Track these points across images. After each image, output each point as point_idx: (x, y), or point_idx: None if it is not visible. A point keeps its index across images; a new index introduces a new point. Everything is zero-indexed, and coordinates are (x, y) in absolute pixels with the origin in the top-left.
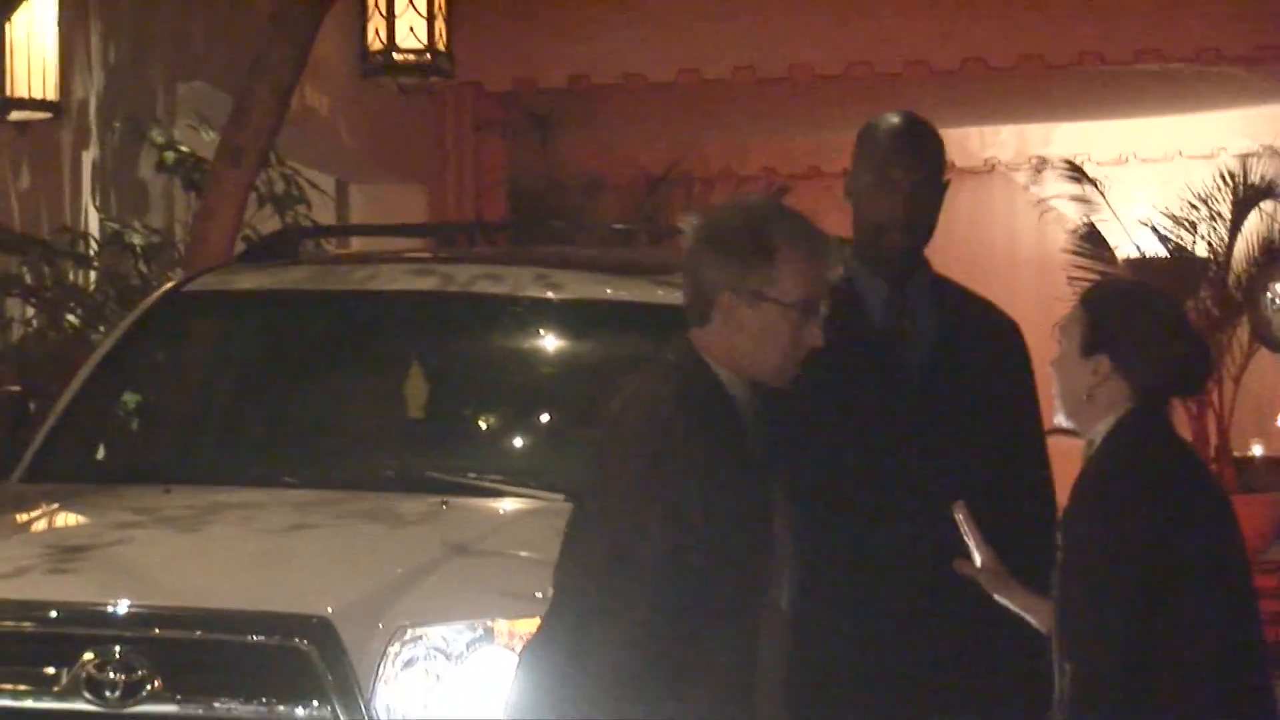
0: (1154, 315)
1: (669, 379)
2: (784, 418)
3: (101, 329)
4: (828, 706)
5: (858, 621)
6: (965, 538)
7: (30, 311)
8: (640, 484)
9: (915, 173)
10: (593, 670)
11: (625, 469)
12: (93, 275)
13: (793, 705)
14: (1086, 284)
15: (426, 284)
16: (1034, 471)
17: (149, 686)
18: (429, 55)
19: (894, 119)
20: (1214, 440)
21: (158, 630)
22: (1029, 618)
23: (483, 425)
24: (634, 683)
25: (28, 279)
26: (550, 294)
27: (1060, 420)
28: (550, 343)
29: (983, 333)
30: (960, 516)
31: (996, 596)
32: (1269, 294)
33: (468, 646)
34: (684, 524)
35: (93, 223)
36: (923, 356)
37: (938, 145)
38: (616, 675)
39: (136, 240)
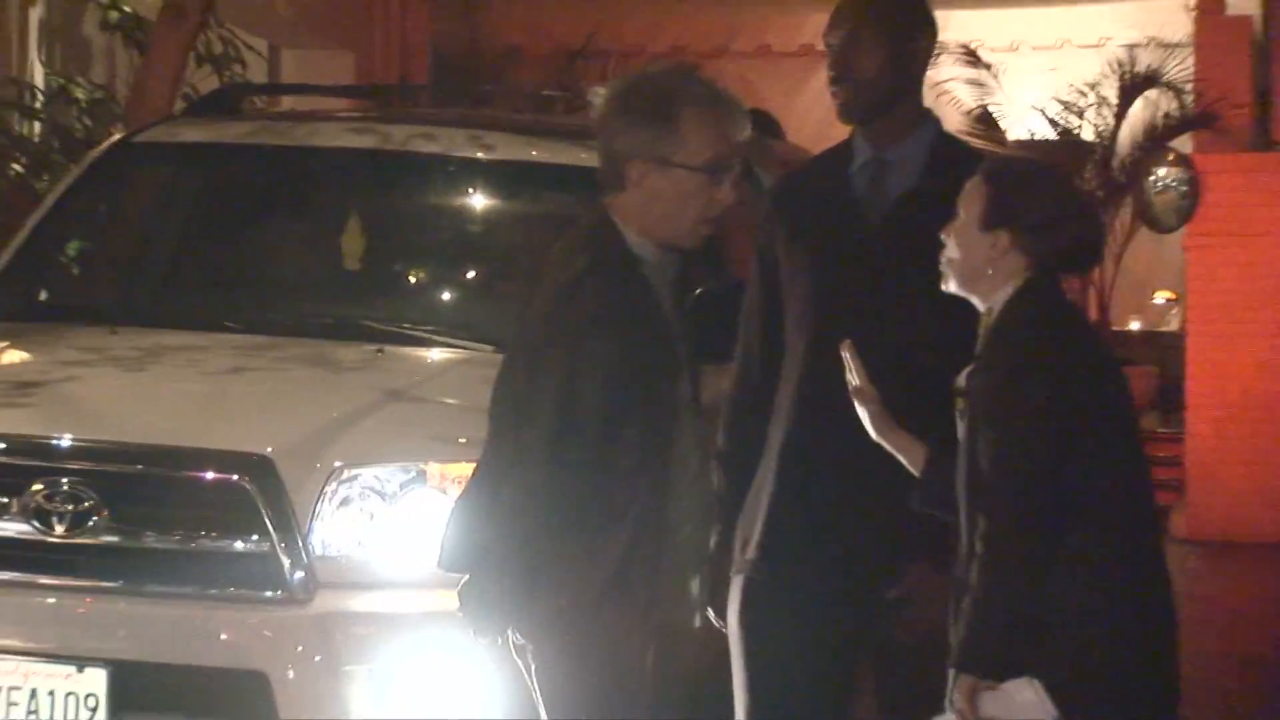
0: (1054, 195)
1: (580, 244)
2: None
3: (46, 178)
4: (801, 541)
5: (830, 457)
6: (850, 375)
7: None
8: (543, 341)
9: (833, 36)
10: (504, 519)
11: (532, 327)
12: (38, 127)
13: (769, 543)
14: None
15: (365, 141)
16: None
17: (96, 518)
18: None
19: None
20: (1095, 315)
21: (104, 464)
22: (902, 459)
23: (416, 278)
24: (543, 533)
25: None
26: (481, 154)
27: (952, 287)
28: (481, 200)
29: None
30: (846, 355)
31: (875, 435)
32: (1151, 177)
33: (401, 487)
34: (578, 380)
35: (38, 77)
36: (889, 212)
37: (869, 11)
38: (526, 525)
39: (80, 94)
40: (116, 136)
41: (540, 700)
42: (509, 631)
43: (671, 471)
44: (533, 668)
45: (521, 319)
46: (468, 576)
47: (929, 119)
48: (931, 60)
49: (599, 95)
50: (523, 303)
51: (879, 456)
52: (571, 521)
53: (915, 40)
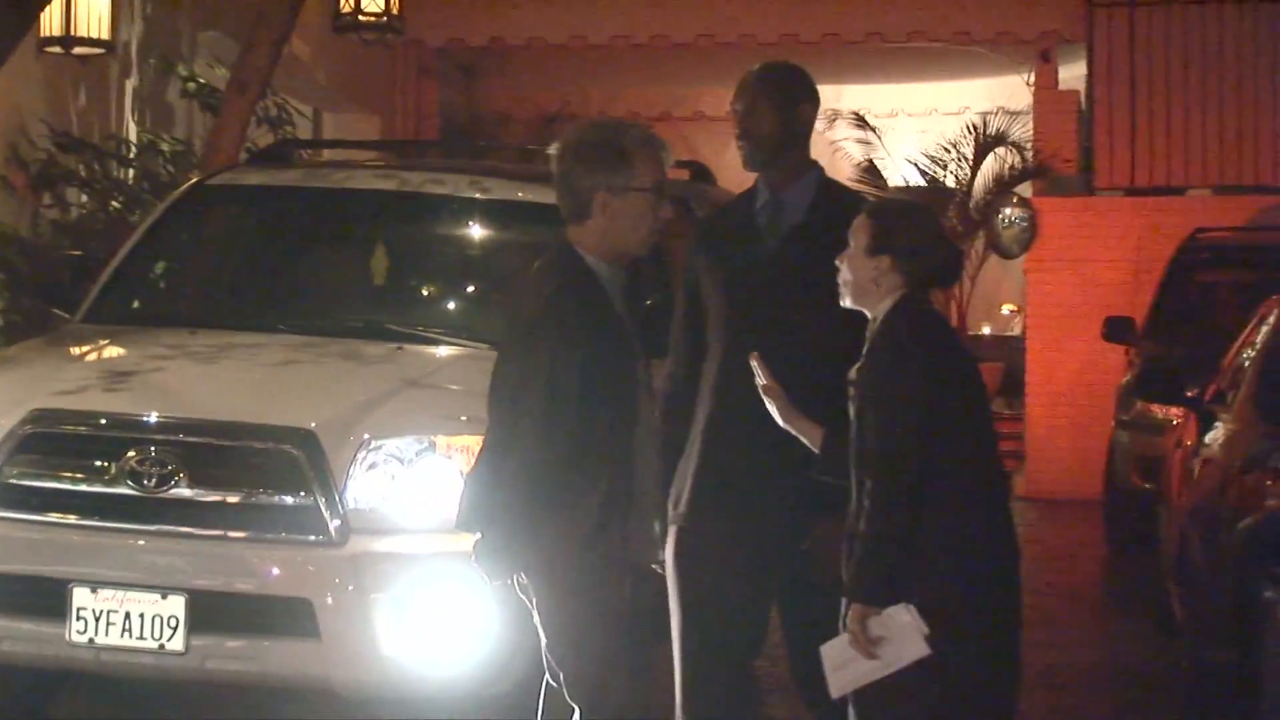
0: (924, 228)
1: (549, 268)
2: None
3: (138, 213)
4: (723, 503)
5: (731, 442)
6: (758, 377)
7: (85, 198)
8: (527, 345)
9: (737, 104)
10: (508, 486)
11: (519, 335)
12: (131, 172)
13: (697, 502)
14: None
15: (388, 184)
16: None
17: (177, 478)
18: (386, 18)
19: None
20: (956, 322)
21: (184, 436)
22: (804, 439)
23: (428, 291)
24: (538, 495)
25: (83, 174)
26: (479, 195)
27: (848, 302)
28: (479, 230)
29: (846, 221)
30: (754, 363)
31: (781, 420)
32: (1000, 216)
33: (416, 455)
34: (560, 375)
35: (133, 133)
36: (783, 241)
37: (763, 85)
38: (525, 490)
39: (165, 147)
40: (194, 180)
41: (541, 627)
42: (515, 574)
43: (634, 441)
44: (534, 601)
45: (509, 328)
46: (480, 534)
47: (815, 167)
48: (816, 122)
49: (555, 147)
50: (509, 314)
51: (782, 435)
52: (560, 484)
53: (799, 107)
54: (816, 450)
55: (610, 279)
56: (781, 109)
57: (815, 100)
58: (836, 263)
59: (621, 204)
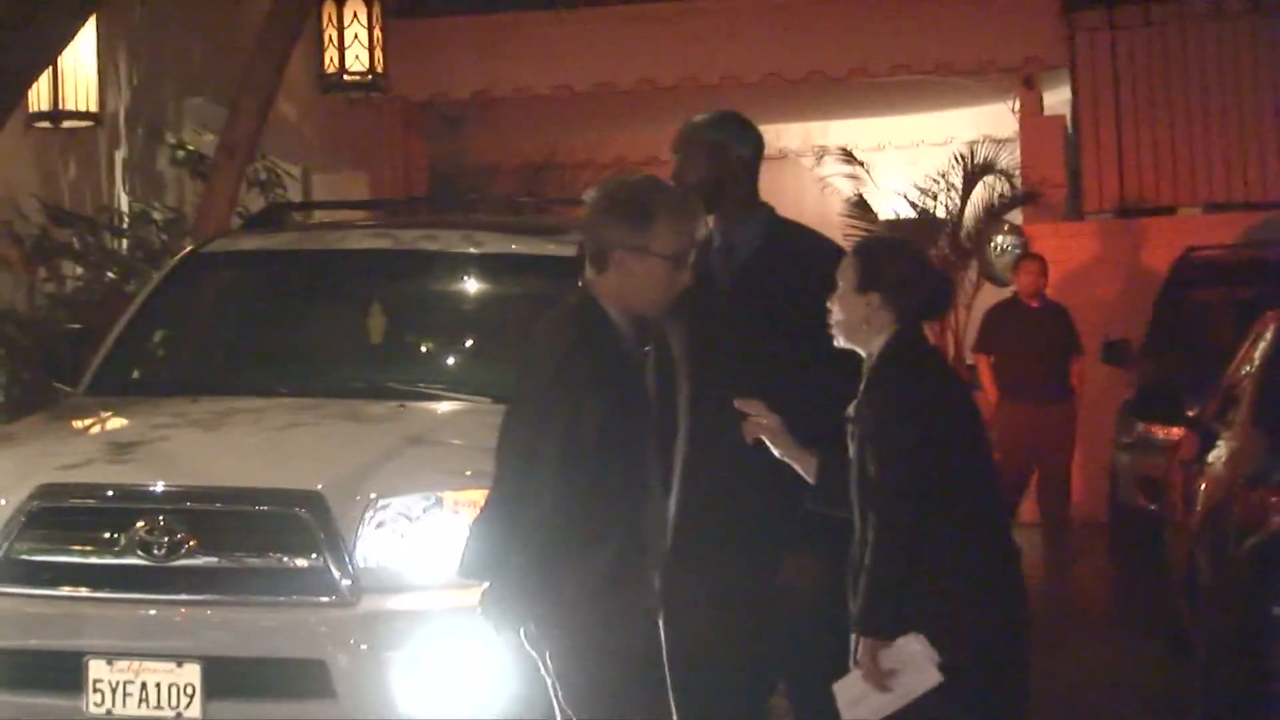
0: (909, 261)
1: (570, 315)
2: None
3: (133, 283)
4: (702, 544)
5: (705, 483)
6: (749, 411)
7: (79, 270)
8: (546, 396)
9: (675, 151)
10: (523, 537)
11: (536, 384)
12: (125, 242)
13: (677, 547)
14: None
15: (382, 243)
16: (824, 367)
17: (186, 546)
18: (370, 76)
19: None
20: (951, 352)
21: (191, 504)
22: (797, 466)
23: (426, 348)
24: (554, 546)
25: (77, 246)
26: (473, 249)
27: (842, 342)
28: (474, 285)
29: (796, 258)
30: (738, 404)
31: (774, 447)
32: (991, 244)
33: (423, 512)
34: (579, 426)
35: (124, 203)
36: (734, 280)
37: (693, 133)
38: (541, 541)
39: (157, 216)
40: (188, 248)
41: (553, 681)
42: (525, 626)
43: (647, 492)
44: (546, 654)
45: (522, 380)
46: (487, 584)
47: (763, 207)
48: (759, 161)
49: (590, 195)
50: (524, 361)
51: (759, 473)
52: (576, 534)
53: (729, 151)
54: (811, 480)
55: (628, 331)
56: (710, 155)
57: (748, 142)
58: (828, 304)
59: (638, 264)
